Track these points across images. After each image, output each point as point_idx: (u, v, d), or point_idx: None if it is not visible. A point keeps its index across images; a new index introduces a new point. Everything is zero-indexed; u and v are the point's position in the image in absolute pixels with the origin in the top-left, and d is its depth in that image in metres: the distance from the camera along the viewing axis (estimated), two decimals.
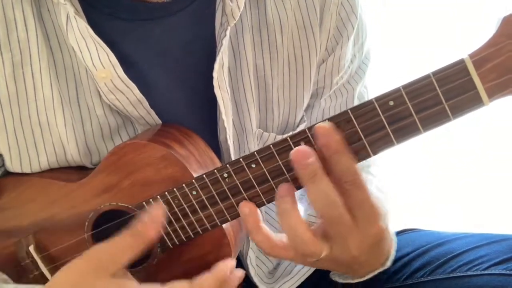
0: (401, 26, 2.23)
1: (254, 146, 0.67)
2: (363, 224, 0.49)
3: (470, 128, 1.70)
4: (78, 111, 0.59)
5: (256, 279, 0.73)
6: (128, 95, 0.58)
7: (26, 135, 0.58)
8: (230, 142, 0.64)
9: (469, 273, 0.63)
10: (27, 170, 0.60)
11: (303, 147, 0.48)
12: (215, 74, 0.59)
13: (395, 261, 0.70)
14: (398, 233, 0.76)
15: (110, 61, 0.55)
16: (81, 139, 0.60)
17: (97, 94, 0.59)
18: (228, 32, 0.58)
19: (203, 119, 0.64)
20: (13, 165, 0.60)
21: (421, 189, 1.66)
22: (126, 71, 0.57)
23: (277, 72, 0.65)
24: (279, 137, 0.68)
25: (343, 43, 0.67)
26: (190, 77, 0.62)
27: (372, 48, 0.74)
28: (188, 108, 0.63)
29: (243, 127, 0.66)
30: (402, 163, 1.69)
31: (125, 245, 0.52)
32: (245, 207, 0.51)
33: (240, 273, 0.55)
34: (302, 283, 0.74)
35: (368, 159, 0.48)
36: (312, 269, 0.74)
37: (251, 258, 0.72)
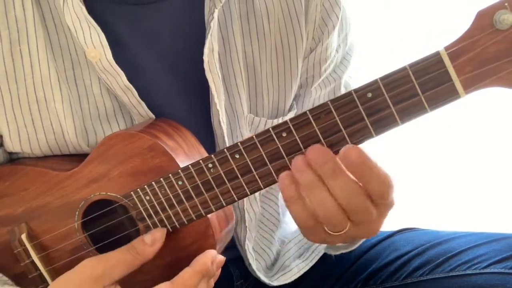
0: (404, 26, 2.23)
1: (246, 130, 0.68)
2: (380, 203, 0.49)
3: (470, 128, 1.69)
4: (75, 89, 0.61)
5: (255, 266, 0.73)
6: (117, 79, 0.59)
7: (24, 112, 0.60)
8: (224, 126, 0.65)
9: (468, 271, 0.63)
10: (26, 149, 0.62)
11: (317, 146, 0.48)
12: (205, 58, 0.60)
13: (395, 260, 0.71)
14: (398, 232, 0.76)
15: (101, 42, 0.57)
16: (78, 116, 0.62)
17: (95, 72, 0.61)
18: (215, 15, 0.60)
19: (195, 104, 0.65)
20: (13, 144, 0.61)
21: (421, 188, 1.65)
22: (118, 53, 0.59)
23: (265, 59, 0.67)
24: (270, 122, 0.70)
25: (329, 32, 0.69)
26: (181, 62, 0.64)
27: (356, 41, 0.76)
28: (180, 93, 0.65)
29: (234, 111, 0.67)
30: (402, 162, 1.69)
31: (121, 260, 0.54)
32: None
33: (220, 258, 0.56)
34: (300, 280, 0.75)
35: None
36: (310, 265, 0.75)
37: (248, 245, 0.72)
